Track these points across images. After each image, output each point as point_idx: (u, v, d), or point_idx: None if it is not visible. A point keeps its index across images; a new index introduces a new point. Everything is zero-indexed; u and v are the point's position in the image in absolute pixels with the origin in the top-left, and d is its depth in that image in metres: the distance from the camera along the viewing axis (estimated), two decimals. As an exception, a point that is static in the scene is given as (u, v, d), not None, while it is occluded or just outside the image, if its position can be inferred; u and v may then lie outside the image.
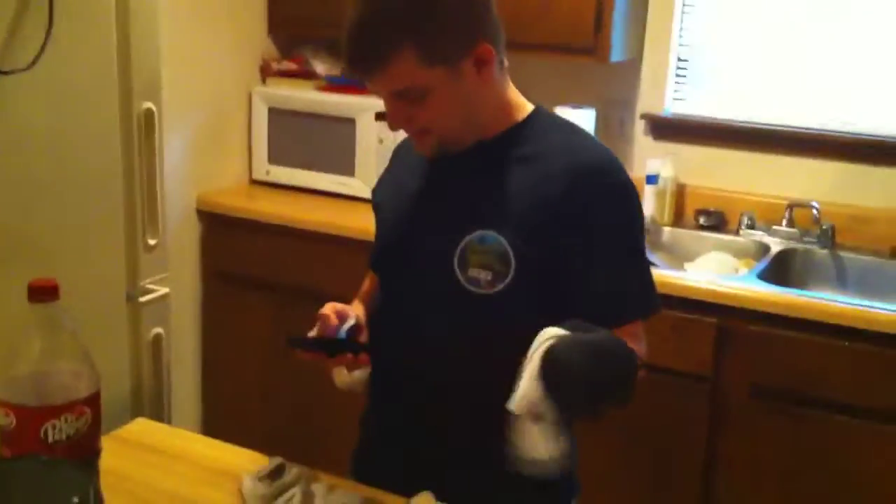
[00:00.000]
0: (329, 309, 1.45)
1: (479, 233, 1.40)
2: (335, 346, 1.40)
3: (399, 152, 1.63)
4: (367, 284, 1.66)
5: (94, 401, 1.22)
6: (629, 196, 1.44)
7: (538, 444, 1.16)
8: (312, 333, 1.43)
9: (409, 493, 1.40)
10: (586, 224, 1.39)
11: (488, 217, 1.40)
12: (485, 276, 1.39)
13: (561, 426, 1.18)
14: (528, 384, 1.16)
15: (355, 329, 1.47)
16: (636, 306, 1.45)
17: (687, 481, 2.45)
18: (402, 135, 1.50)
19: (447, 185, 1.48)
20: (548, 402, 1.15)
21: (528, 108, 1.48)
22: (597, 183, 1.40)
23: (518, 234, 1.39)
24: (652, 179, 2.88)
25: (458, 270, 1.40)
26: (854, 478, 2.28)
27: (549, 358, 1.16)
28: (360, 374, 1.47)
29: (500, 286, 1.38)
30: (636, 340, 1.39)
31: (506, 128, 1.46)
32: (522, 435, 1.17)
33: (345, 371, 1.43)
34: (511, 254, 1.38)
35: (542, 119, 1.48)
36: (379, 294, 1.59)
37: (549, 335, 1.20)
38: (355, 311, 1.52)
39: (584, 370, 1.15)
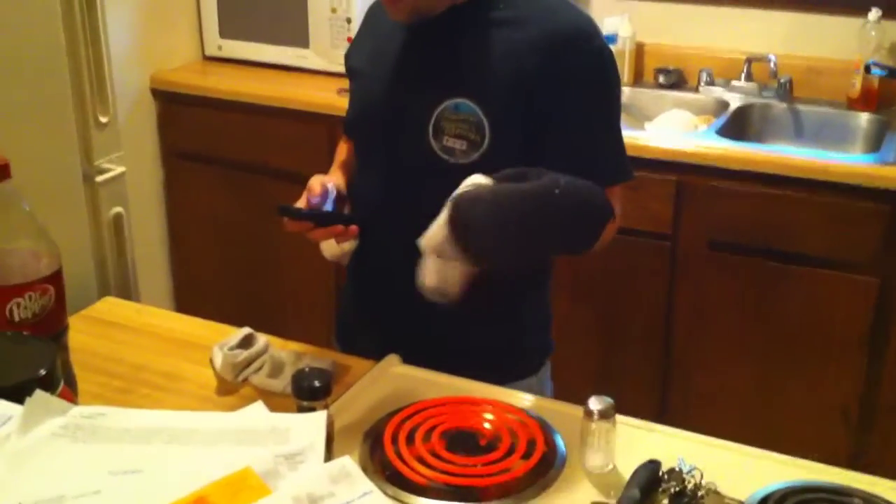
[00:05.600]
0: (316, 182, 1.45)
1: (453, 101, 1.38)
2: (324, 218, 1.40)
3: (374, 15, 1.58)
4: (343, 152, 1.65)
5: (56, 278, 1.23)
6: (607, 63, 1.42)
7: (430, 273, 1.20)
8: (300, 205, 1.43)
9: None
10: (564, 92, 1.38)
11: (464, 85, 1.39)
12: (459, 145, 1.38)
13: (467, 265, 1.20)
14: (437, 226, 1.18)
15: (339, 200, 1.48)
16: (612, 173, 1.44)
17: (649, 333, 2.52)
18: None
19: (423, 50, 1.45)
20: (452, 246, 1.17)
21: None
22: (576, 50, 1.39)
23: (494, 103, 1.37)
24: (610, 39, 2.85)
25: (432, 139, 1.39)
26: (809, 323, 2.36)
27: (458, 205, 1.17)
28: (349, 246, 1.48)
29: (475, 156, 1.38)
30: (614, 201, 1.39)
31: None
32: (422, 262, 1.21)
33: (333, 242, 1.44)
34: (486, 123, 1.37)
35: None
36: (355, 160, 1.59)
37: (469, 183, 1.20)
38: (336, 181, 1.51)
39: (487, 223, 1.15)
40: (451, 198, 1.19)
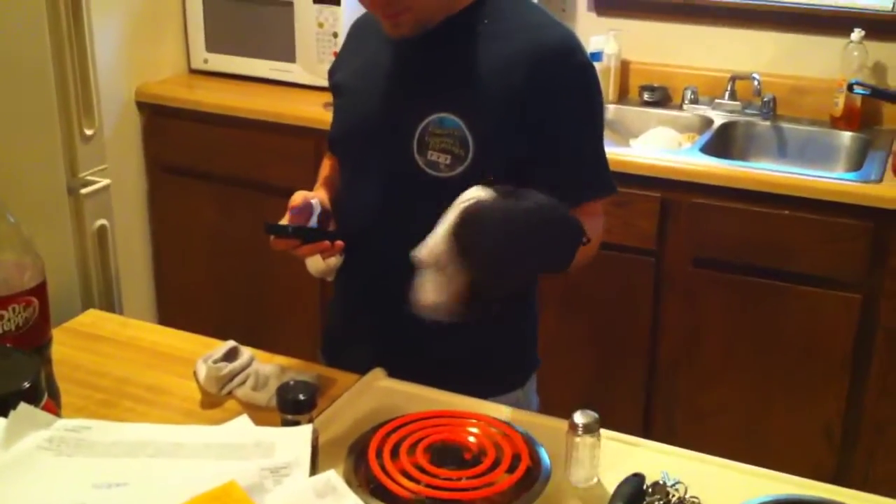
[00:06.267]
0: (298, 195, 1.45)
1: (438, 115, 1.39)
2: (311, 235, 1.40)
3: (357, 32, 1.59)
4: (326, 168, 1.65)
5: (40, 290, 1.22)
6: (591, 78, 1.44)
7: (429, 289, 1.17)
8: (284, 222, 1.43)
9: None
10: (548, 107, 1.39)
11: (449, 99, 1.40)
12: (443, 159, 1.39)
13: (461, 281, 1.18)
14: (439, 238, 1.16)
15: (324, 216, 1.48)
16: (594, 187, 1.46)
17: (634, 349, 2.53)
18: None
19: (410, 65, 1.46)
20: (454, 260, 1.15)
21: None
22: (562, 64, 1.40)
23: (480, 118, 1.38)
24: (596, 56, 2.86)
25: (416, 153, 1.40)
26: (790, 340, 2.37)
27: (464, 219, 1.15)
28: (335, 262, 1.48)
29: (459, 170, 1.38)
30: (594, 218, 1.41)
31: (472, 1, 1.43)
32: (418, 278, 1.18)
33: (319, 258, 1.44)
34: (470, 138, 1.38)
35: None
36: (339, 176, 1.59)
37: (471, 195, 1.19)
38: (321, 198, 1.51)
39: (496, 238, 1.14)
40: (454, 210, 1.18)
